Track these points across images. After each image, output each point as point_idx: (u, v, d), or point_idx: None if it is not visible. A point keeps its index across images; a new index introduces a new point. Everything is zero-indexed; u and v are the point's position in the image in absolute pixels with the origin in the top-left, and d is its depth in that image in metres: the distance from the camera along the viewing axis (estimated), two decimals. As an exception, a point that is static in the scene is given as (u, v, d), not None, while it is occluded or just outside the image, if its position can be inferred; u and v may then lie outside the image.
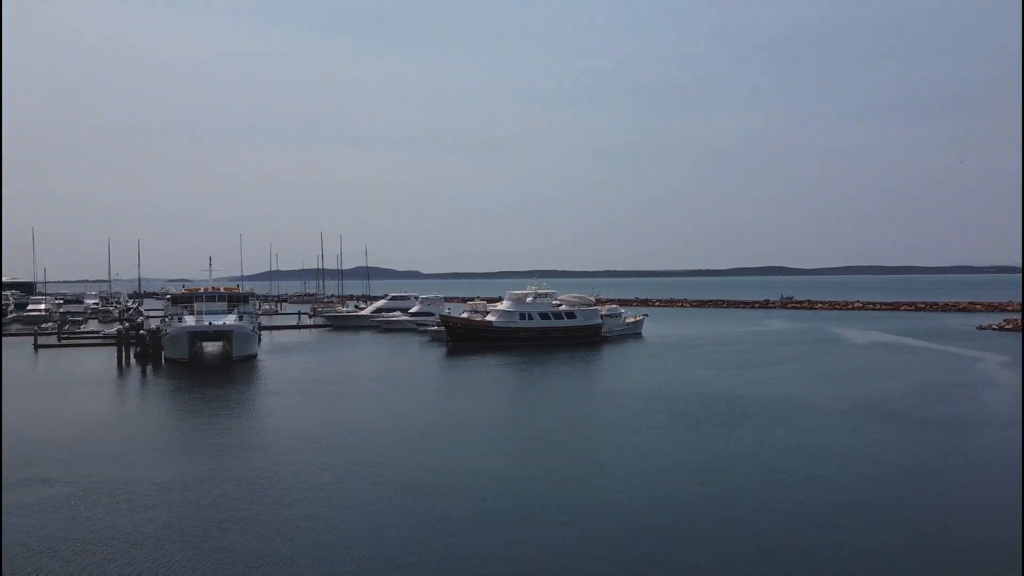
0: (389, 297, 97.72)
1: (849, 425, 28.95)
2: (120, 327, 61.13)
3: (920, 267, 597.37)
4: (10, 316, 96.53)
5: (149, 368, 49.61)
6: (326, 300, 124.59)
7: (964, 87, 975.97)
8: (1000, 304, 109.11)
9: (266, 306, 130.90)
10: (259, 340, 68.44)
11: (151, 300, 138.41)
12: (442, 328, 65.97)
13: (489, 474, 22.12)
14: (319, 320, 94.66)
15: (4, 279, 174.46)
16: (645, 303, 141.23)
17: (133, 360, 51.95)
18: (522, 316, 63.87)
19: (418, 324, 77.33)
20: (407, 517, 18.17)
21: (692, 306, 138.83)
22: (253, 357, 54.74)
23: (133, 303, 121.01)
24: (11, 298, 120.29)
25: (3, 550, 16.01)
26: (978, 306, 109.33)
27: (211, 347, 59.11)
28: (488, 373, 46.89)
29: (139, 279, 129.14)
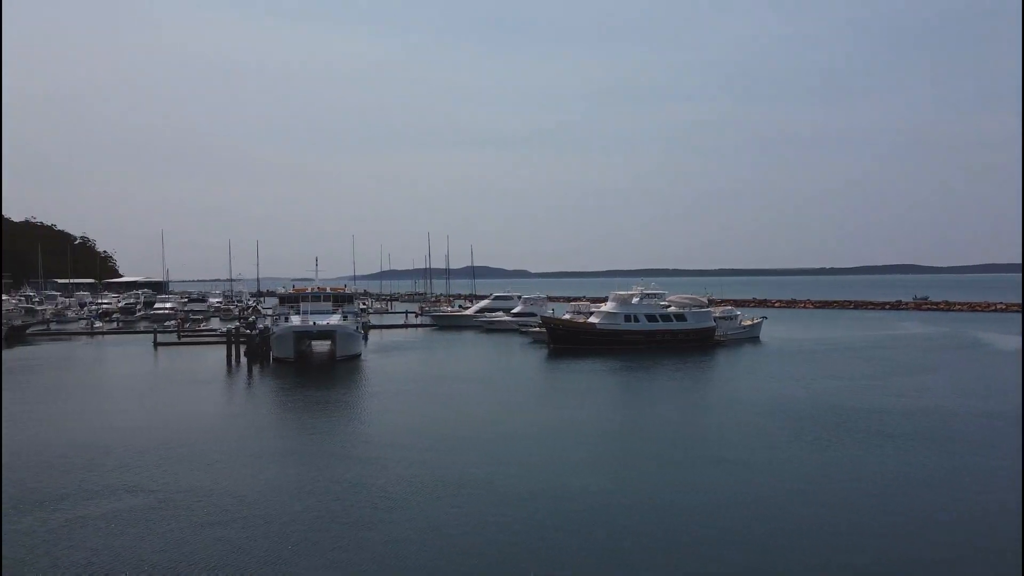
0: (492, 297, 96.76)
1: (1014, 445, 24.61)
2: (233, 326, 62.85)
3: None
4: (138, 314, 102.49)
5: (256, 367, 50.26)
6: (433, 300, 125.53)
7: None
8: None
9: (377, 305, 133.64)
10: (365, 339, 68.91)
11: (272, 299, 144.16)
12: (543, 329, 63.95)
13: (585, 497, 19.77)
14: (425, 319, 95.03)
15: (138, 279, 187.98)
16: (763, 304, 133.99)
17: (244, 359, 52.86)
18: (627, 318, 60.82)
19: (520, 325, 75.65)
20: (495, 541, 16.15)
21: (815, 307, 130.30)
22: (357, 357, 54.63)
23: (253, 302, 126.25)
24: (141, 296, 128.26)
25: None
26: None
27: (319, 346, 59.60)
28: (589, 379, 44.41)
29: (258, 279, 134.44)
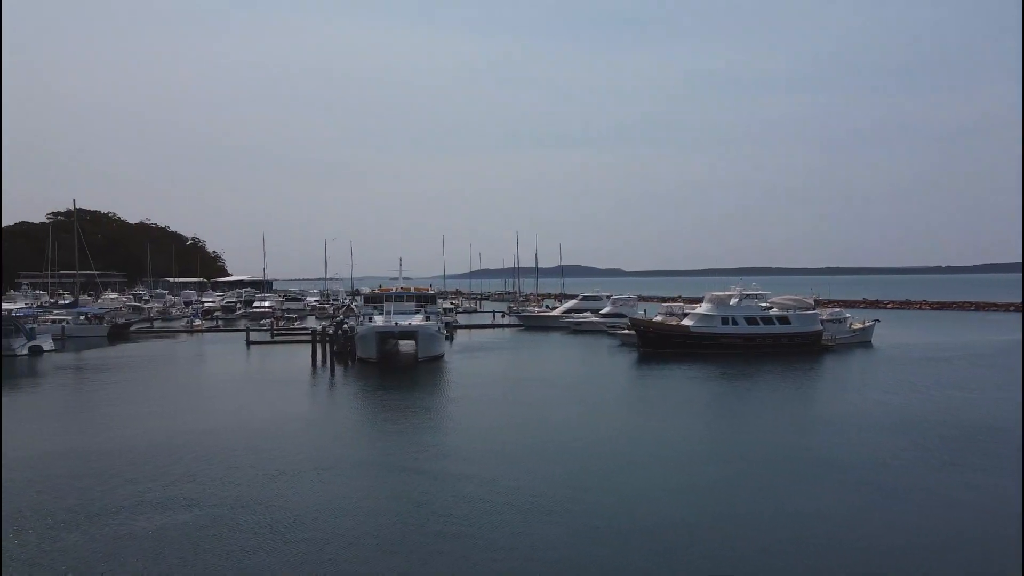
0: (580, 297, 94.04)
1: None
2: (322, 325, 63.07)
3: None
4: (238, 312, 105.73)
5: (340, 368, 49.84)
6: (522, 299, 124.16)
7: None
8: None
9: (467, 304, 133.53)
10: (451, 339, 67.88)
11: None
12: (633, 331, 60.94)
13: (684, 533, 17.22)
14: (512, 319, 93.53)
15: (244, 277, 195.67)
16: (874, 305, 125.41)
17: (330, 359, 52.56)
18: (724, 320, 56.98)
19: (609, 326, 72.56)
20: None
21: (932, 308, 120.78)
22: (439, 358, 53.49)
23: (349, 300, 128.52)
24: (243, 295, 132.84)
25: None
26: None
27: (405, 345, 58.81)
28: (682, 387, 41.35)
29: (351, 278, 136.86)
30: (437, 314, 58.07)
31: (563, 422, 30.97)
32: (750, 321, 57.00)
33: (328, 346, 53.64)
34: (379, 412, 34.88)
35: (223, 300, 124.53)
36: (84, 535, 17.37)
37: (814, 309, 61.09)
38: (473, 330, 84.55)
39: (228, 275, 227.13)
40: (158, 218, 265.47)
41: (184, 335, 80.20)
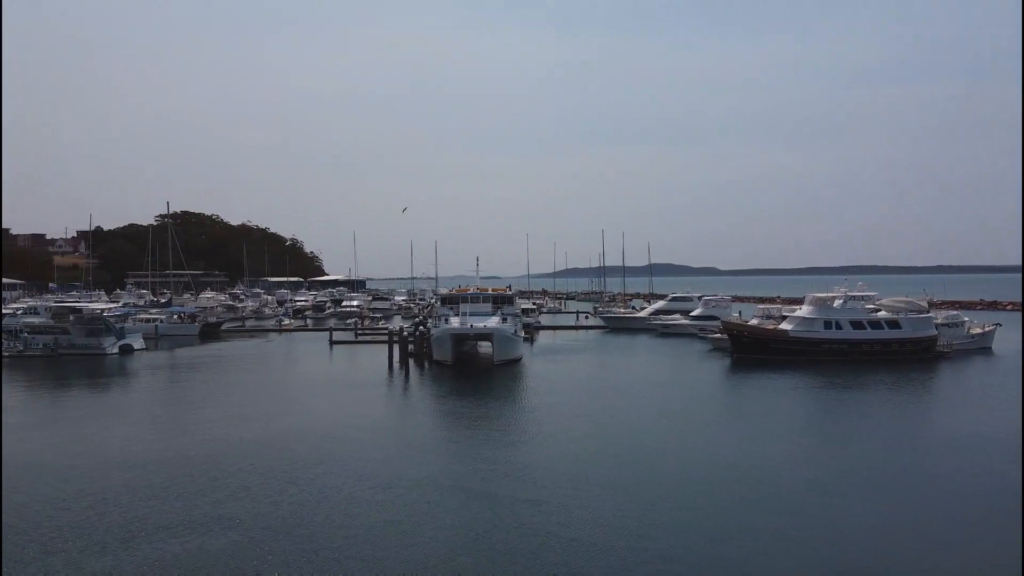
0: (669, 298, 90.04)
1: None
2: (402, 326, 62.32)
3: None
4: (327, 311, 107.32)
5: (416, 370, 48.71)
6: (608, 299, 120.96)
7: None
8: None
9: (551, 304, 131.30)
10: (532, 341, 65.93)
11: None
12: (725, 335, 57.15)
13: (770, 555, 14.53)
14: (596, 321, 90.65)
15: (337, 277, 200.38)
16: (992, 307, 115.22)
17: (410, 360, 51.53)
18: (827, 324, 52.47)
19: (699, 329, 68.55)
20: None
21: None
22: (517, 361, 51.61)
23: (435, 299, 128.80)
24: (334, 294, 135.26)
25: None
26: None
27: (484, 347, 57.21)
28: (781, 399, 37.77)
29: (436, 277, 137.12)
30: (515, 315, 56.11)
31: (645, 441, 28.29)
32: (856, 325, 52.32)
33: (403, 347, 52.70)
34: (448, 420, 33.23)
35: (315, 299, 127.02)
36: (113, 560, 16.24)
37: (928, 312, 55.64)
38: (556, 332, 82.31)
39: (325, 275, 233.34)
40: (259, 221, 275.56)
41: (273, 334, 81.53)
